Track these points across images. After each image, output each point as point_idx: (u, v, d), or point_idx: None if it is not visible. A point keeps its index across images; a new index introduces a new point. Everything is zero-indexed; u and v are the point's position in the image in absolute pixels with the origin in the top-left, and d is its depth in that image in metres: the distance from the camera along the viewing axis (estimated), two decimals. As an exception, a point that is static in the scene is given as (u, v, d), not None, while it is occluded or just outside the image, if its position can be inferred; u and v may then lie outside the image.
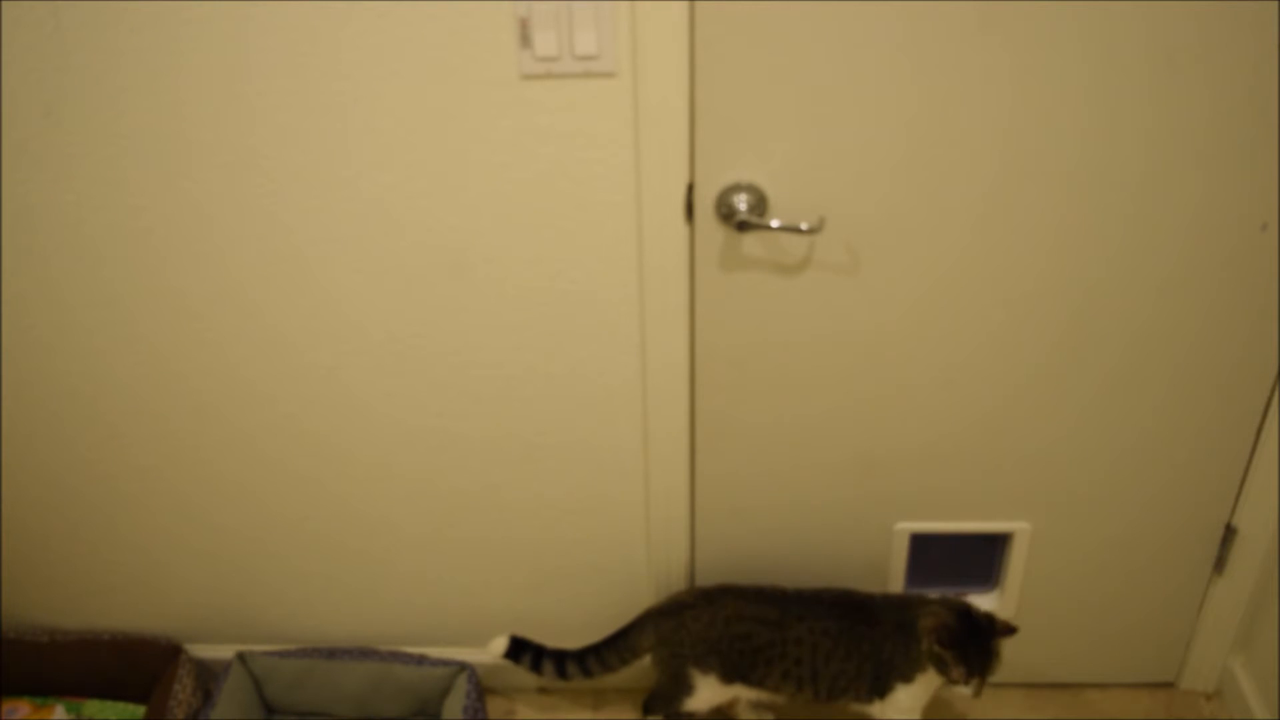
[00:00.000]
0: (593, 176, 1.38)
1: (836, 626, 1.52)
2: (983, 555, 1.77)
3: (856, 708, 1.57)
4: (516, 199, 1.40)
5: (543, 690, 1.89)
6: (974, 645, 1.47)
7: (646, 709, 1.65)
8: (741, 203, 1.38)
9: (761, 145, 1.35)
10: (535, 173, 1.37)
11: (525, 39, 1.27)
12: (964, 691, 1.48)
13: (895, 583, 1.74)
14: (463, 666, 1.75)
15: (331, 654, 1.78)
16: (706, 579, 1.76)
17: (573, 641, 1.84)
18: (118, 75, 1.32)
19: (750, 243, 1.43)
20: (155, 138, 1.37)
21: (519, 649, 1.66)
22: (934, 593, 1.77)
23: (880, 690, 1.53)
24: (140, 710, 1.81)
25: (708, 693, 1.58)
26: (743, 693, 1.58)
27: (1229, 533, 1.66)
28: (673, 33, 1.26)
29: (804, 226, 1.36)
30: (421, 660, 1.76)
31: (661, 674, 1.60)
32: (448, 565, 1.76)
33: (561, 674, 1.66)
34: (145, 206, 1.42)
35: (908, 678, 1.52)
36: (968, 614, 1.49)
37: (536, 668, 1.66)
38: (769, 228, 1.37)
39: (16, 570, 1.81)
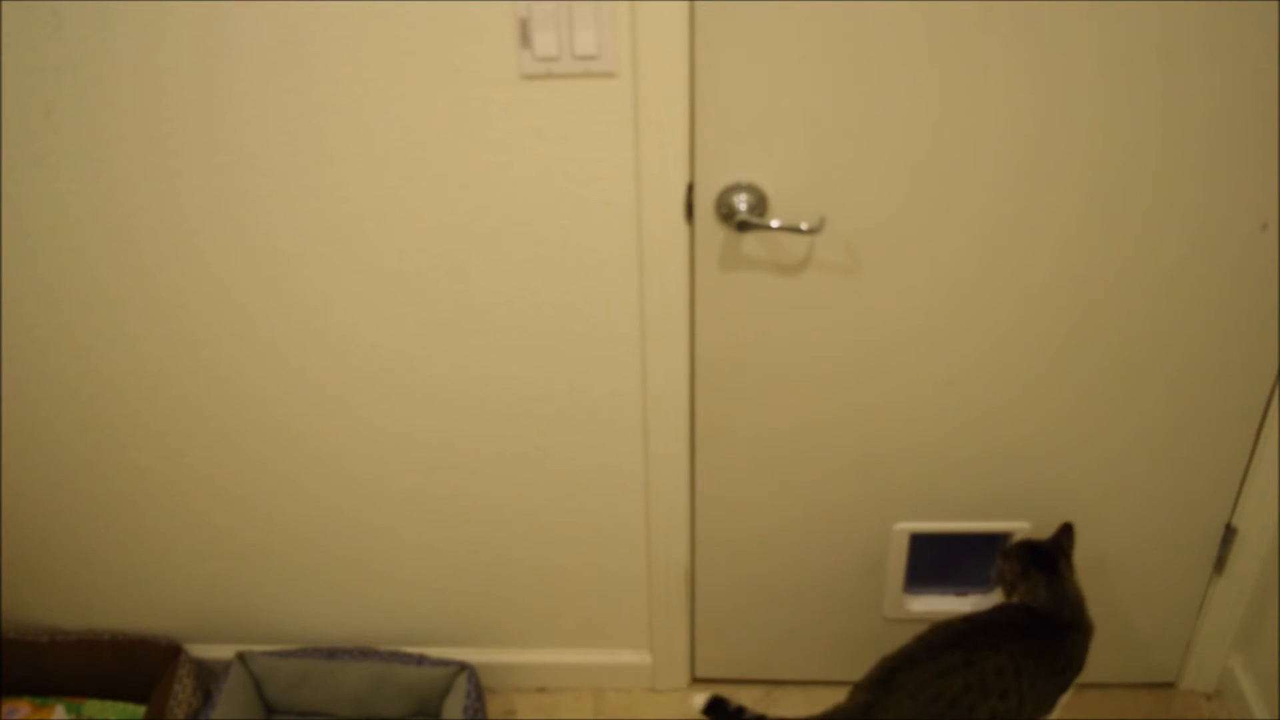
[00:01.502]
0: (593, 176, 1.38)
1: (1037, 644, 1.43)
2: (983, 555, 1.77)
3: None
4: (516, 199, 1.40)
5: (542, 690, 1.89)
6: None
7: None
8: (741, 203, 1.38)
9: (761, 145, 1.35)
10: (535, 172, 1.37)
11: (525, 39, 1.27)
12: None
13: (895, 583, 1.74)
14: (463, 666, 1.75)
15: (331, 654, 1.78)
16: (706, 580, 1.76)
17: (570, 643, 1.85)
18: (118, 76, 1.32)
19: (750, 243, 1.43)
20: (155, 139, 1.37)
21: (719, 709, 1.51)
22: (937, 592, 1.77)
23: (1054, 701, 1.47)
24: (140, 710, 1.81)
25: None
26: None
27: (1229, 533, 1.66)
28: (673, 33, 1.26)
29: (804, 226, 1.36)
30: (421, 660, 1.76)
31: None
32: (447, 569, 1.76)
33: None
34: (145, 207, 1.42)
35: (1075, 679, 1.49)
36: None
37: None
38: (769, 228, 1.37)
39: (16, 570, 1.81)
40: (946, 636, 1.43)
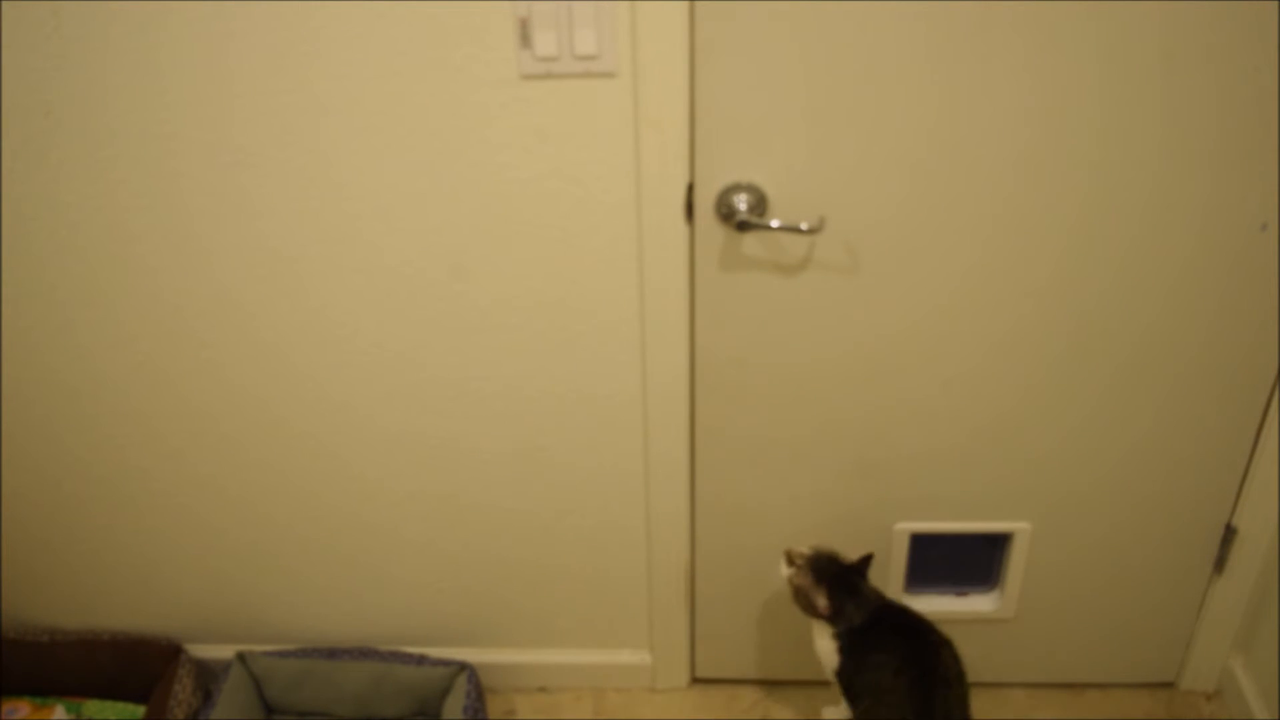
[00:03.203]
0: (592, 176, 1.38)
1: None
2: (983, 555, 1.77)
3: None
4: (516, 199, 1.40)
5: (542, 690, 1.89)
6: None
7: None
8: (741, 202, 1.38)
9: (761, 145, 1.35)
10: (535, 173, 1.37)
11: (525, 39, 1.27)
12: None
13: (895, 583, 1.74)
14: (463, 666, 1.75)
15: (331, 654, 1.78)
16: (706, 580, 1.76)
17: (570, 643, 1.85)
18: (118, 76, 1.32)
19: (750, 243, 1.43)
20: (155, 139, 1.37)
21: None
22: (936, 592, 1.77)
23: None
24: (140, 710, 1.81)
25: None
26: None
27: (1229, 533, 1.66)
28: (673, 33, 1.26)
29: (804, 226, 1.36)
30: (421, 660, 1.76)
31: None
32: (447, 567, 1.76)
33: None
34: (145, 207, 1.42)
35: None
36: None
37: None
38: (769, 228, 1.37)
39: (16, 570, 1.81)
40: (925, 661, 1.48)
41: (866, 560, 1.55)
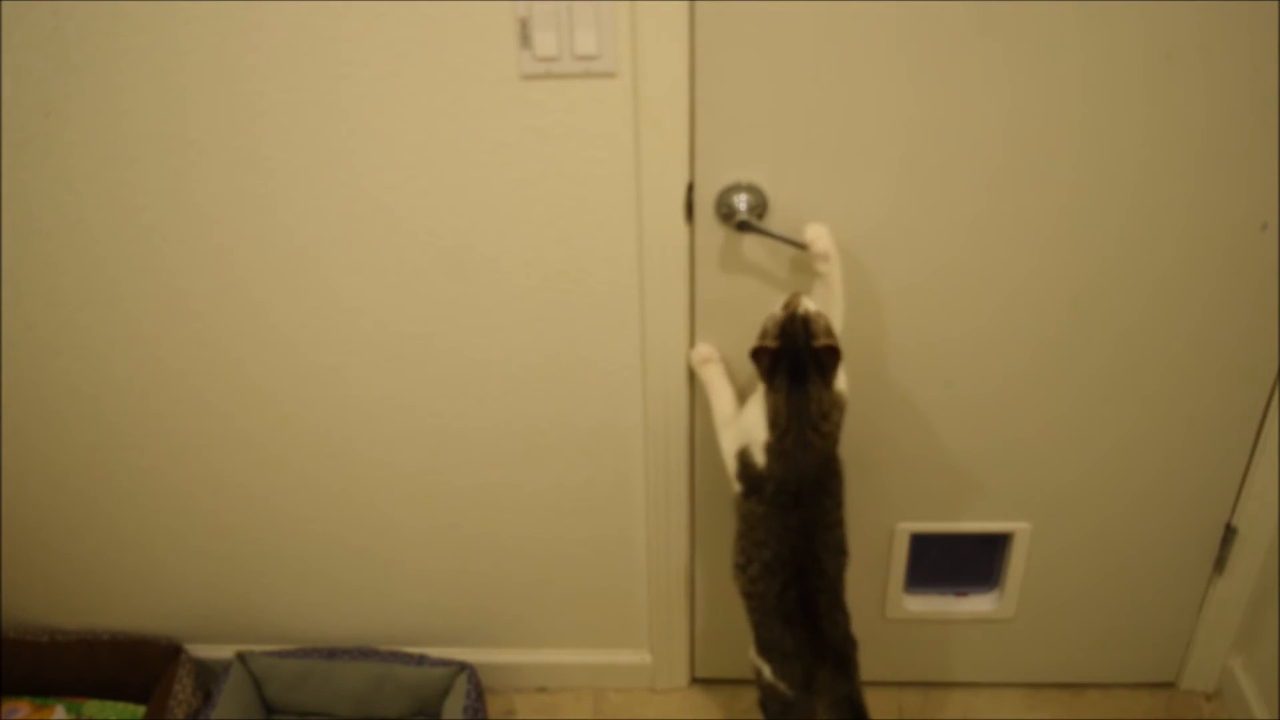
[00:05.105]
0: (593, 176, 1.38)
1: None
2: (983, 555, 1.77)
3: None
4: (517, 199, 1.40)
5: (542, 690, 1.90)
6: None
7: None
8: (741, 203, 1.38)
9: (761, 145, 1.35)
10: (535, 173, 1.37)
11: (525, 39, 1.27)
12: None
13: (895, 583, 1.74)
14: (463, 666, 1.75)
15: (331, 654, 1.78)
16: (705, 579, 1.76)
17: (570, 643, 1.85)
18: (118, 75, 1.32)
19: (750, 243, 1.43)
20: (156, 138, 1.37)
21: None
22: (936, 592, 1.77)
23: None
24: (140, 710, 1.81)
25: None
26: None
27: (1229, 533, 1.66)
28: (673, 33, 1.26)
29: (805, 236, 1.36)
30: (421, 660, 1.76)
31: None
32: (448, 564, 1.76)
33: None
34: (146, 206, 1.42)
35: None
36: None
37: None
38: (769, 234, 1.37)
39: (16, 570, 1.81)
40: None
41: (832, 353, 1.29)
